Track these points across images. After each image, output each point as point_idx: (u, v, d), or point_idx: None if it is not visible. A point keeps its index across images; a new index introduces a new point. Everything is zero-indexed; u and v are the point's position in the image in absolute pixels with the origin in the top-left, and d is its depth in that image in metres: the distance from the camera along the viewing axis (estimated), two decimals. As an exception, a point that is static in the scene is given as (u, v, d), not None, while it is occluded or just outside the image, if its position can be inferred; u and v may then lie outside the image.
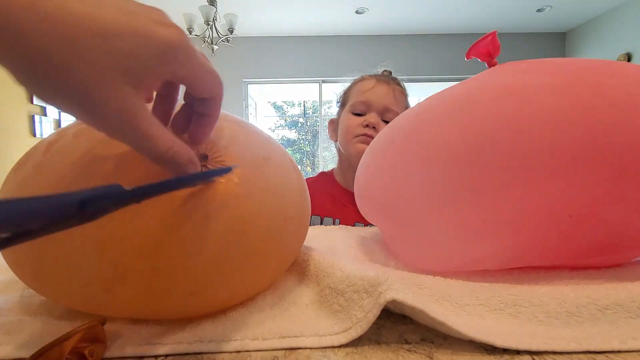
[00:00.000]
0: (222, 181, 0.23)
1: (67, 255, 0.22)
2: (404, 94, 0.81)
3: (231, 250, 0.23)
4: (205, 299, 0.24)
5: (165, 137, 0.19)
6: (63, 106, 0.16)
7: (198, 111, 0.22)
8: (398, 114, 0.75)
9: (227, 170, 0.23)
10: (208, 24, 2.74)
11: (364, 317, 0.22)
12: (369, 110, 0.77)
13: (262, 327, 0.24)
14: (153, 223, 0.21)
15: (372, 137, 0.73)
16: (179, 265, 0.22)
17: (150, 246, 0.21)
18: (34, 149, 0.26)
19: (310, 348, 0.22)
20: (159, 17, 0.17)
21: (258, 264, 0.26)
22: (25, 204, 0.09)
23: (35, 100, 2.60)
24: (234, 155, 0.25)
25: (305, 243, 0.37)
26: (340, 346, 0.22)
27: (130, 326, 0.25)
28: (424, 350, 0.22)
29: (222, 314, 0.26)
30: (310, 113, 4.81)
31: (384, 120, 0.77)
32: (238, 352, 0.22)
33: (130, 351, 0.22)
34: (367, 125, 0.75)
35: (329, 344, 0.22)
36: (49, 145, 0.25)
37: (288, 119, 5.09)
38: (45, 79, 0.15)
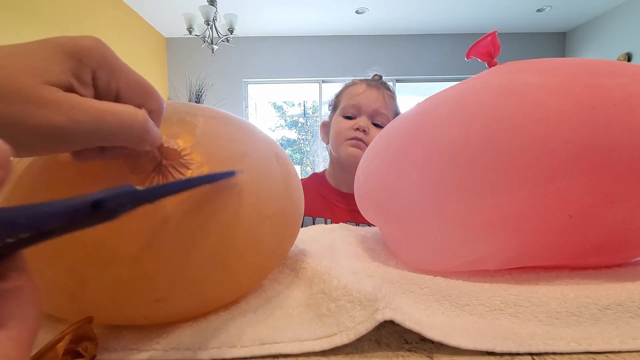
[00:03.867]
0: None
1: (32, 261, 0.21)
2: (393, 98, 0.84)
3: (195, 255, 0.22)
4: (173, 305, 0.23)
5: (94, 108, 0.17)
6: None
7: None
8: (387, 117, 0.79)
9: (231, 174, 0.23)
10: (208, 24, 2.74)
11: (353, 327, 0.22)
12: (359, 114, 0.80)
13: (242, 334, 0.23)
14: (109, 230, 0.20)
15: (362, 141, 0.77)
16: (138, 273, 0.21)
17: (107, 254, 0.20)
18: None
19: (294, 355, 0.21)
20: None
21: (229, 268, 0.24)
22: (41, 208, 0.10)
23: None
24: (205, 152, 0.24)
25: (305, 243, 0.36)
26: (340, 347, 0.22)
27: (111, 331, 0.24)
28: (424, 350, 0.22)
29: (202, 318, 0.25)
30: (310, 113, 4.80)
31: (374, 123, 0.80)
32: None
33: (106, 357, 0.21)
34: (357, 129, 0.77)
35: (310, 349, 0.21)
36: None
37: (288, 119, 5.09)
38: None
